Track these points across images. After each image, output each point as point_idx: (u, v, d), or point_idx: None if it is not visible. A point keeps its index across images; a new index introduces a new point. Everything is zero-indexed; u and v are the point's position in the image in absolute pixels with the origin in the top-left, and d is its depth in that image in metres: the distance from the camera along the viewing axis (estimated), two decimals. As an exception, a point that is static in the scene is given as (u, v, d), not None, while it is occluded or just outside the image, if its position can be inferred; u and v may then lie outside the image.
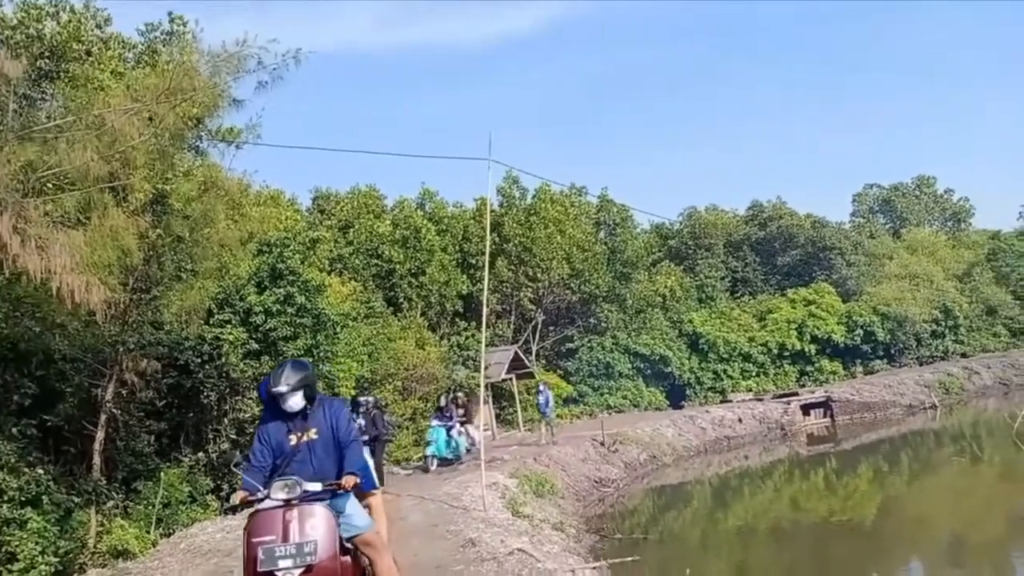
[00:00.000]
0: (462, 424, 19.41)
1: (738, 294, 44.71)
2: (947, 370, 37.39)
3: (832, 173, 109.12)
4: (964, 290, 45.07)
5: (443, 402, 19.66)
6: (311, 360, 17.01)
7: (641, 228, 43.18)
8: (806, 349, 38.51)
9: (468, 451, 19.36)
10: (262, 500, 4.93)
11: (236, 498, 5.09)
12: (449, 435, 18.74)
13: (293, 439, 5.27)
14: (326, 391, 17.38)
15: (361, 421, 14.75)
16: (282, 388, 5.10)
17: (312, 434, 5.25)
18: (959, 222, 62.87)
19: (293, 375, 5.18)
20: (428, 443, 18.64)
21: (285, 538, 4.68)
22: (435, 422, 18.92)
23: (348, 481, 5.06)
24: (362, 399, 15.73)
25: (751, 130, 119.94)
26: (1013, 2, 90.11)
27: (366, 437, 14.57)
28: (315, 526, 4.77)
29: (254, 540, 4.72)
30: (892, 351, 41.10)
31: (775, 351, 38.46)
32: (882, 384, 34.82)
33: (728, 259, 45.91)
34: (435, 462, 18.26)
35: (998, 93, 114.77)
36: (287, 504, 4.83)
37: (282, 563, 4.62)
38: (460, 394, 20.65)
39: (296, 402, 5.20)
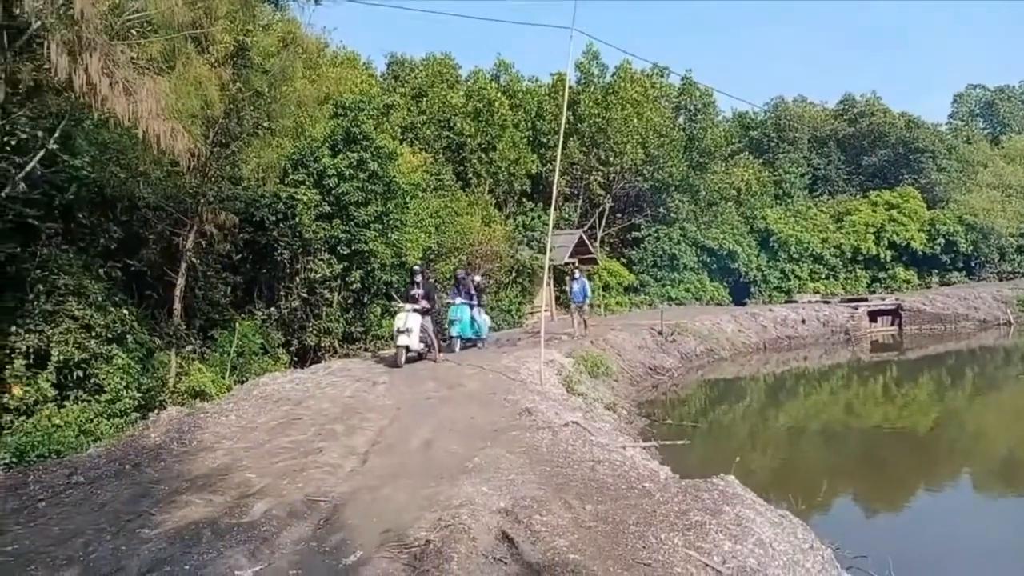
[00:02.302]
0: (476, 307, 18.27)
1: (817, 192, 43.15)
2: (1029, 288, 35.86)
3: (934, 70, 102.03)
4: (1061, 206, 42.59)
5: (461, 275, 18.10)
6: (380, 227, 17.25)
7: (723, 116, 41.63)
8: (882, 255, 37.34)
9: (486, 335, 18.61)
10: None
11: None
12: (472, 315, 17.76)
13: None
14: (394, 259, 17.71)
15: (420, 291, 14.97)
16: None
17: None
18: (1067, 133, 58.67)
19: None
20: (452, 322, 17.28)
21: None
22: (458, 300, 17.46)
23: None
24: (416, 267, 15.62)
25: (852, 17, 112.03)
26: None
27: (428, 305, 14.92)
28: None
29: None
30: (972, 264, 39.53)
31: (848, 255, 37.45)
32: (957, 296, 33.69)
33: (811, 155, 44.08)
34: (459, 343, 17.21)
35: None
36: None
37: None
38: (477, 277, 19.41)
39: None
